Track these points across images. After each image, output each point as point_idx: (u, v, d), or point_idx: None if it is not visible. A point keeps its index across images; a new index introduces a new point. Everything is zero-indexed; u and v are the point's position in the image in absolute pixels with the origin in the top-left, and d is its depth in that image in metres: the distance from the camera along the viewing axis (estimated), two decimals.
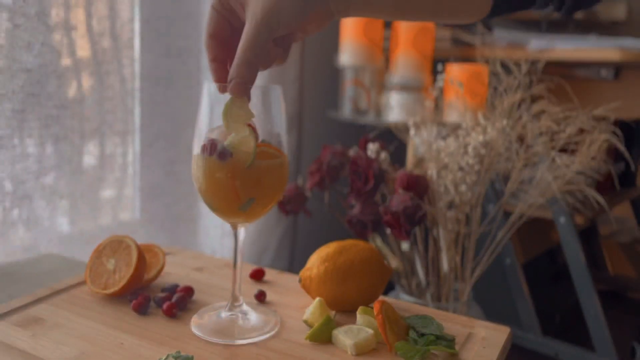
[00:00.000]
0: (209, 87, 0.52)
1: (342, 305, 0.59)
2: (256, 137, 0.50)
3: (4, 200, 0.88)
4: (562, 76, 0.91)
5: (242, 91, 0.47)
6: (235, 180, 0.50)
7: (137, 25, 1.09)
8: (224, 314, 0.57)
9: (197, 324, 0.56)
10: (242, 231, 0.56)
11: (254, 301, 0.63)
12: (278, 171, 0.52)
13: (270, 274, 0.71)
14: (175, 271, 0.71)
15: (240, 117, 0.49)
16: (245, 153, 0.49)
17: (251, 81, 0.47)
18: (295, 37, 0.51)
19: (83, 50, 0.99)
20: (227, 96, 0.49)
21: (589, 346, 1.37)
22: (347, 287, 0.58)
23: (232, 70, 0.47)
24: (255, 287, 0.66)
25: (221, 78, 0.51)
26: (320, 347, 0.53)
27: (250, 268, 0.71)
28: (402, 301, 0.64)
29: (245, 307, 0.58)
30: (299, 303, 0.62)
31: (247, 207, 0.52)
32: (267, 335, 0.54)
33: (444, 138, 0.88)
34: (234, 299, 0.57)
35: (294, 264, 1.47)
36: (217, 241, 1.28)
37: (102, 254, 0.63)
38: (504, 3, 0.51)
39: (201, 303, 0.62)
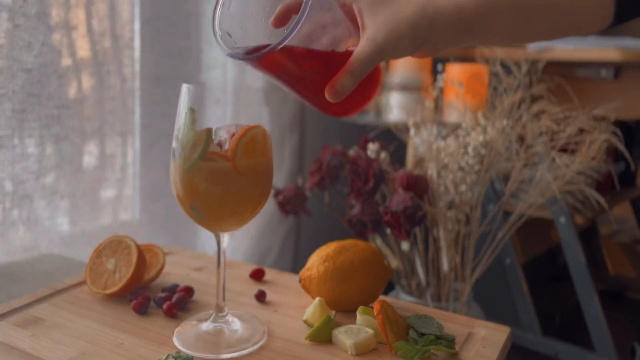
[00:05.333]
0: (188, 89, 0.52)
1: (342, 305, 0.59)
2: (217, 143, 0.49)
3: (4, 200, 0.88)
4: (562, 76, 0.91)
5: (338, 98, 0.48)
6: (175, 182, 0.51)
7: (137, 25, 1.09)
8: (208, 326, 0.55)
9: (180, 336, 0.54)
10: (224, 240, 0.54)
11: (253, 301, 0.63)
12: (222, 180, 0.49)
13: (270, 274, 0.71)
14: (175, 271, 0.71)
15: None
16: (188, 155, 0.49)
17: (348, 92, 0.48)
18: None
19: (83, 50, 0.99)
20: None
21: (589, 346, 1.37)
22: (347, 287, 0.58)
23: (340, 78, 0.48)
24: (255, 287, 0.66)
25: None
26: (320, 347, 0.53)
27: (251, 268, 0.71)
28: (402, 301, 0.64)
29: (230, 318, 0.56)
30: (299, 303, 0.62)
31: (194, 212, 0.51)
32: (255, 347, 0.52)
33: (444, 138, 0.88)
34: (219, 309, 0.55)
35: (298, 265, 1.46)
36: None
37: (102, 254, 0.63)
38: (628, 6, 0.48)
39: (201, 303, 0.62)
